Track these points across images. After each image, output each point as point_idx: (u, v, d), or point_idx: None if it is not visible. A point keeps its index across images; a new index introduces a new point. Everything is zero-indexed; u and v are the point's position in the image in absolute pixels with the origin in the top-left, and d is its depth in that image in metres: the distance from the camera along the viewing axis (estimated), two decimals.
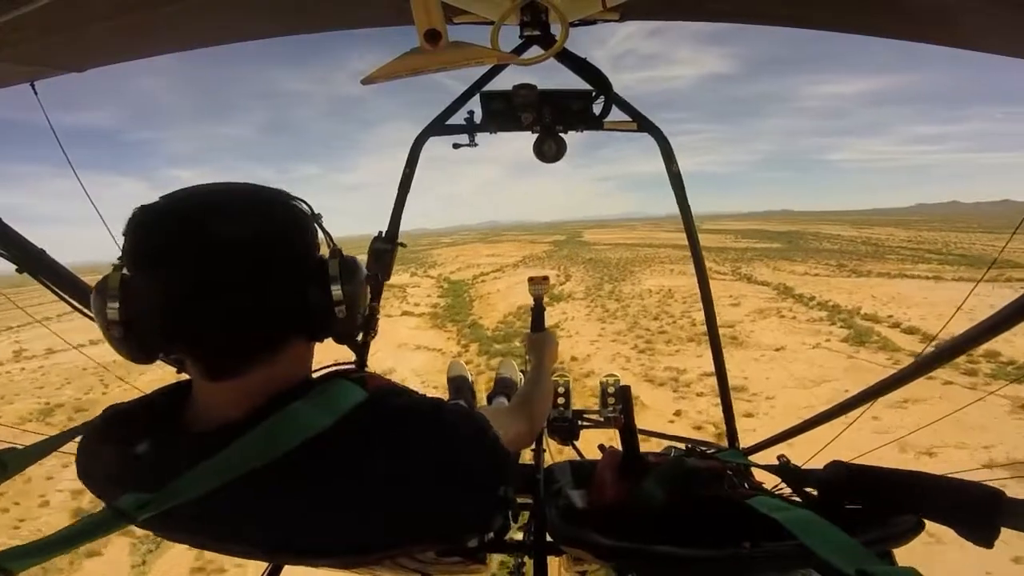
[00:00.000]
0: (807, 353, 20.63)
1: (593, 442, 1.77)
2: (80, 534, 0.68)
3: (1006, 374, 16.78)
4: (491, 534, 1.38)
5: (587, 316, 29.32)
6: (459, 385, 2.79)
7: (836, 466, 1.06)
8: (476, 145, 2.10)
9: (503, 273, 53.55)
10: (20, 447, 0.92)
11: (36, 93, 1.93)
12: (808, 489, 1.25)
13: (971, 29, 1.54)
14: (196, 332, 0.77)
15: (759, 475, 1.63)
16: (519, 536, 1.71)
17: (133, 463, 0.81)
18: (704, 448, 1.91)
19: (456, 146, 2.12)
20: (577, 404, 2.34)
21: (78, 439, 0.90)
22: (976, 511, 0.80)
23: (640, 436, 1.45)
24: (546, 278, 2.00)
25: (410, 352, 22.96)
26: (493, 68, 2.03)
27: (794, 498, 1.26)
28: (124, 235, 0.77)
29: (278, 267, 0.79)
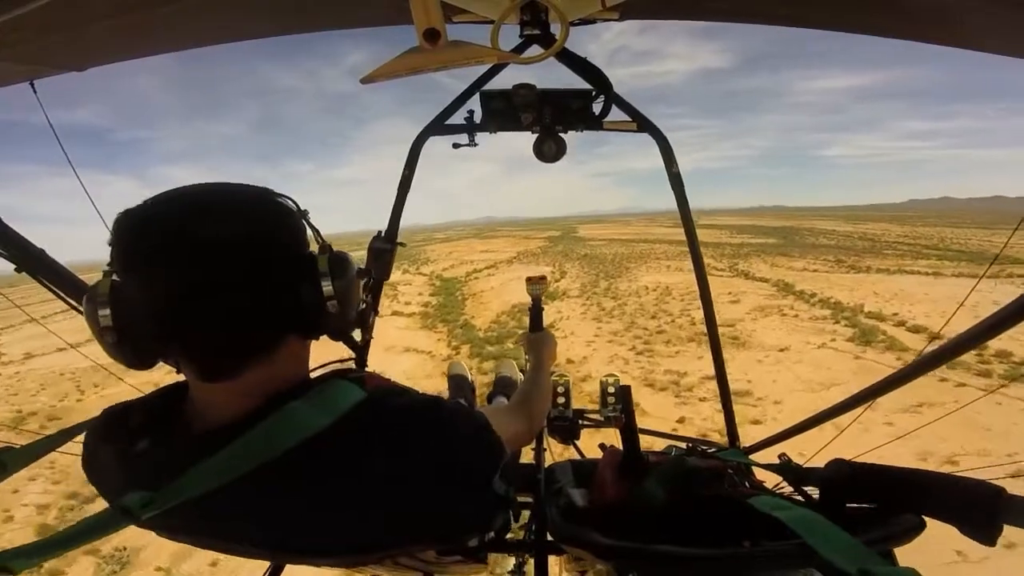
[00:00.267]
0: (812, 354, 20.28)
1: (594, 442, 1.77)
2: (84, 533, 0.68)
3: (1022, 375, 16.10)
4: (492, 533, 1.38)
5: (583, 315, 28.82)
6: (459, 384, 2.78)
7: (837, 464, 1.06)
8: (476, 145, 2.10)
9: (497, 270, 53.14)
10: (19, 446, 0.92)
11: (36, 93, 1.93)
12: (809, 488, 1.25)
13: (970, 29, 1.54)
14: (187, 334, 0.76)
15: (760, 474, 1.62)
16: (520, 535, 1.70)
17: (135, 463, 0.82)
18: (705, 447, 1.91)
19: (456, 146, 2.12)
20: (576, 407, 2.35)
21: (77, 439, 0.90)
22: (978, 509, 0.80)
23: (640, 435, 1.45)
24: (544, 278, 2.00)
25: (398, 355, 22.38)
26: (493, 68, 2.03)
27: (795, 497, 1.26)
28: (111, 241, 0.77)
29: (266, 265, 0.79)
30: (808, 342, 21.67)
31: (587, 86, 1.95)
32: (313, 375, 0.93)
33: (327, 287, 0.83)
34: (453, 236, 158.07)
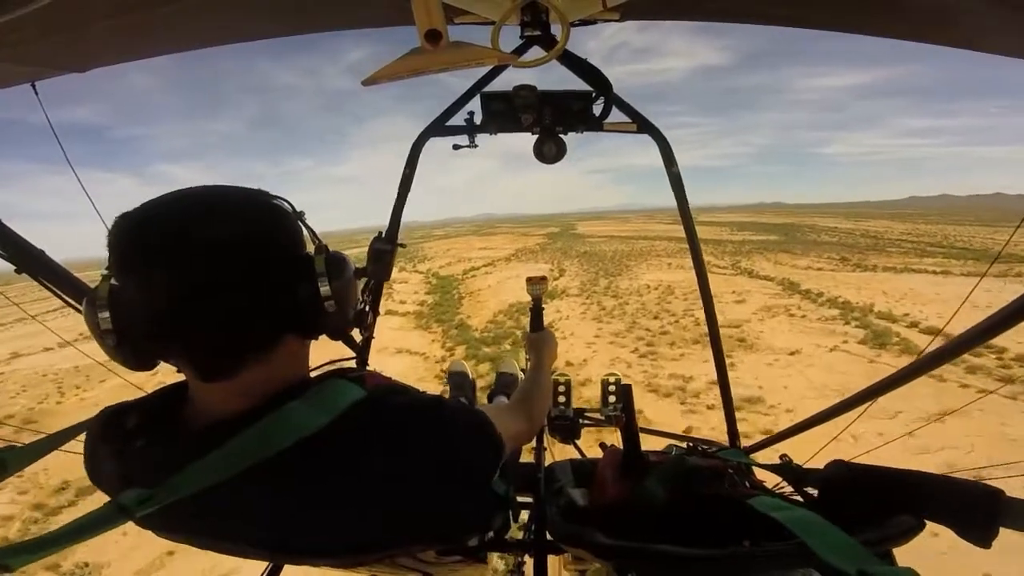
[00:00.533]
0: (825, 357, 19.09)
1: (594, 441, 1.81)
2: (82, 530, 0.69)
3: None
4: (491, 533, 1.39)
5: (582, 315, 27.82)
6: (460, 382, 2.81)
7: (837, 465, 1.09)
8: (476, 146, 2.12)
9: (495, 268, 51.80)
10: (20, 445, 0.94)
11: (37, 93, 1.93)
12: (809, 488, 1.25)
13: (970, 29, 1.54)
14: (186, 335, 0.77)
15: (761, 474, 1.64)
16: (519, 535, 1.72)
17: (133, 461, 0.83)
18: (705, 447, 1.91)
19: (456, 147, 2.13)
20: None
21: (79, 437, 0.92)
22: (976, 511, 0.81)
23: (641, 434, 1.47)
24: (544, 278, 2.00)
25: (390, 357, 21.24)
26: (493, 69, 2.04)
27: (795, 497, 1.26)
28: (109, 243, 0.78)
29: (264, 265, 0.79)
30: (819, 344, 20.40)
31: (587, 87, 1.96)
32: (313, 375, 0.94)
33: (324, 287, 0.84)
34: (452, 233, 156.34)
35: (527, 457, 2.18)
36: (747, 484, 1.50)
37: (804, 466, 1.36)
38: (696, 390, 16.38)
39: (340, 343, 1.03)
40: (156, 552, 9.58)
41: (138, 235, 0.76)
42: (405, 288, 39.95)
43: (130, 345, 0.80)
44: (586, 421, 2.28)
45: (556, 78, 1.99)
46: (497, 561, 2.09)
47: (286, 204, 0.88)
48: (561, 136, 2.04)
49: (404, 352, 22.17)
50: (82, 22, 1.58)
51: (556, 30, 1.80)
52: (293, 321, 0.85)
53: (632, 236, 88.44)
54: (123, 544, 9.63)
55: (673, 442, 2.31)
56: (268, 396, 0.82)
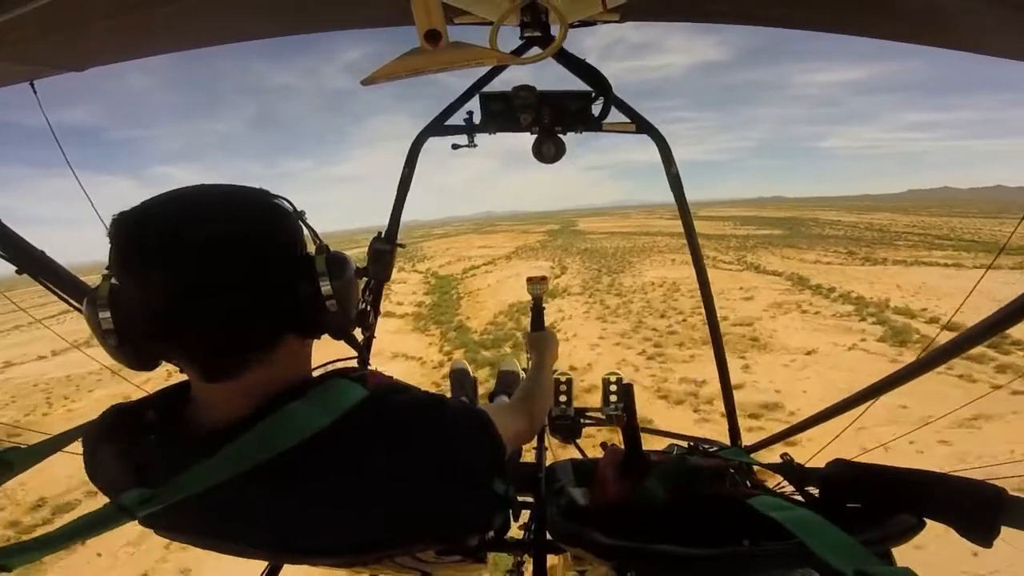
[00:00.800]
0: (843, 357, 17.91)
1: (595, 441, 1.84)
2: (82, 529, 0.69)
3: None
4: (491, 533, 1.39)
5: (586, 314, 26.75)
6: (461, 381, 2.84)
7: (838, 464, 1.09)
8: (475, 146, 2.13)
9: (495, 266, 50.77)
10: (25, 446, 0.93)
11: (36, 93, 1.93)
12: (810, 487, 1.26)
13: (970, 31, 1.55)
14: (187, 335, 0.77)
15: (762, 473, 1.65)
16: (519, 535, 1.71)
17: (135, 461, 0.82)
18: (706, 446, 1.91)
19: (455, 147, 2.14)
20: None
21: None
22: (978, 510, 0.81)
23: (642, 433, 1.50)
24: (544, 278, 2.01)
25: (386, 361, 20.20)
26: (493, 69, 2.05)
27: (796, 496, 1.27)
28: (109, 243, 0.77)
29: (264, 265, 0.79)
30: (836, 343, 19.15)
31: (586, 87, 1.97)
32: (315, 374, 0.95)
33: (325, 287, 0.84)
34: (451, 232, 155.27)
35: (528, 457, 2.18)
36: (748, 483, 1.54)
37: (805, 465, 1.35)
38: (709, 396, 15.26)
39: (341, 343, 1.01)
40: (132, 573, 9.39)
41: (136, 234, 0.76)
42: (403, 289, 38.97)
43: (132, 345, 0.79)
44: (587, 421, 2.26)
45: (555, 79, 1.99)
46: (496, 561, 2.00)
47: (286, 203, 0.88)
48: (560, 136, 2.05)
49: (400, 356, 21.19)
50: (81, 21, 1.58)
51: (556, 31, 1.78)
52: (294, 321, 0.84)
53: (633, 232, 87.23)
54: (97, 565, 9.44)
55: (674, 441, 2.30)
56: (270, 396, 0.82)
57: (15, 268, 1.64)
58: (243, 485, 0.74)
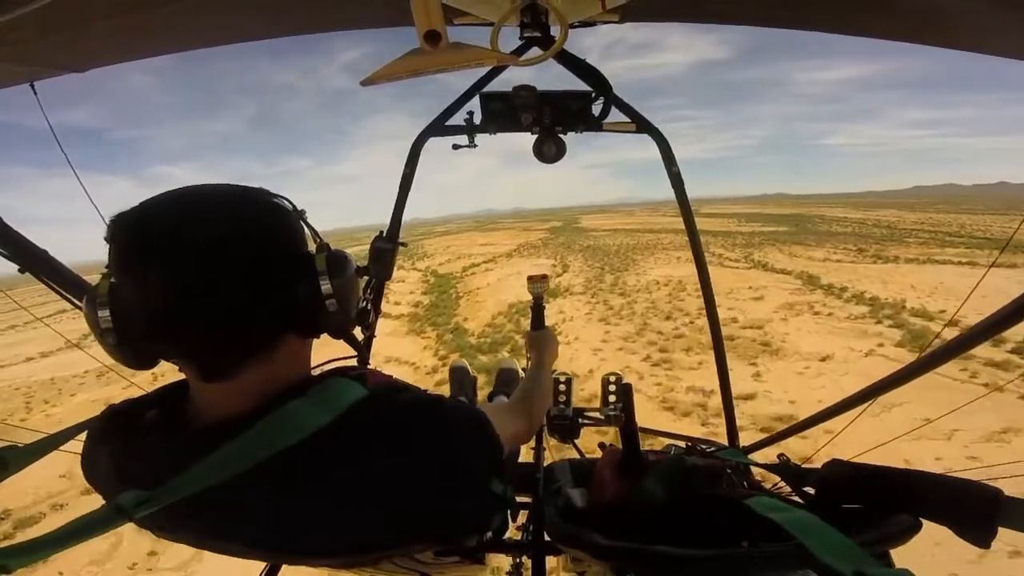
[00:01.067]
0: (860, 363, 16.66)
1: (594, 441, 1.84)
2: (79, 531, 0.68)
3: None
4: (489, 534, 1.39)
5: (588, 316, 25.69)
6: (461, 380, 2.84)
7: (835, 465, 1.08)
8: (476, 146, 2.13)
9: (495, 264, 49.94)
10: (22, 445, 0.93)
11: (36, 94, 1.93)
12: (808, 488, 1.25)
13: (971, 31, 1.55)
14: (185, 334, 0.77)
15: (760, 474, 1.66)
16: (517, 536, 1.72)
17: (132, 461, 0.82)
18: (704, 446, 1.91)
19: (456, 147, 2.16)
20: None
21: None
22: (975, 511, 0.81)
23: (640, 434, 1.47)
24: (545, 277, 2.01)
25: (378, 366, 19.48)
26: (493, 70, 2.06)
27: (793, 497, 1.26)
28: (108, 243, 0.77)
29: (264, 264, 0.79)
30: (852, 348, 17.80)
31: (587, 87, 1.98)
32: (314, 373, 0.94)
33: (326, 286, 0.84)
34: (453, 229, 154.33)
35: (526, 457, 2.19)
36: (746, 484, 1.54)
37: (803, 465, 1.34)
38: (718, 407, 14.02)
39: (341, 342, 1.00)
40: None
41: (135, 234, 0.76)
42: (401, 288, 38.10)
43: (130, 344, 0.79)
44: (586, 421, 2.24)
45: (555, 79, 2.00)
46: (496, 561, 1.90)
47: (286, 203, 0.88)
48: (561, 136, 2.05)
49: (393, 361, 20.41)
50: (81, 22, 1.57)
51: (556, 31, 1.80)
52: (294, 320, 0.84)
53: (637, 229, 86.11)
54: None
55: (672, 442, 2.34)
56: (270, 396, 0.82)
57: (18, 267, 1.64)
58: (242, 485, 0.74)
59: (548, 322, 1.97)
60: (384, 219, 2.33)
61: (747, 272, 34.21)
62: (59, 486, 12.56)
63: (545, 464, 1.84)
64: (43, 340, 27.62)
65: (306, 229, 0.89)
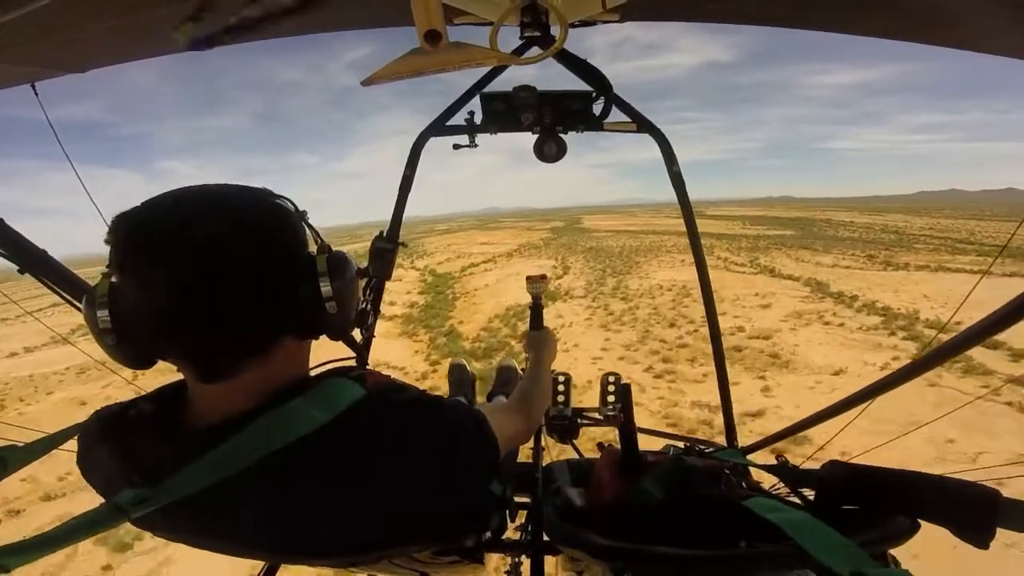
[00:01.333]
0: (875, 378, 15.85)
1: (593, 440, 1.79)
2: (77, 530, 0.68)
3: None
4: (488, 533, 1.39)
5: (588, 321, 24.70)
6: (459, 379, 2.80)
7: (834, 466, 1.07)
8: (476, 146, 2.13)
9: (495, 264, 49.23)
10: (21, 444, 0.92)
11: (37, 94, 1.93)
12: (806, 489, 1.24)
13: (972, 30, 1.54)
14: (185, 334, 0.76)
15: (759, 474, 1.62)
16: (516, 535, 1.71)
17: (130, 461, 0.81)
18: (703, 447, 1.89)
19: (456, 147, 2.15)
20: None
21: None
22: (974, 512, 0.80)
23: (639, 434, 1.45)
24: (544, 276, 1.99)
25: None
26: (493, 70, 2.06)
27: (792, 498, 1.26)
28: (108, 243, 0.77)
29: (265, 265, 0.78)
30: (866, 362, 16.94)
31: (587, 87, 1.97)
32: (313, 374, 0.93)
33: (326, 287, 0.83)
34: (454, 228, 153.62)
35: (525, 457, 2.14)
36: (744, 484, 1.54)
37: (801, 466, 1.34)
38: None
39: (340, 342, 1.00)
40: None
41: (136, 234, 0.75)
42: (398, 287, 37.20)
43: (129, 344, 0.78)
44: (584, 421, 2.23)
45: (556, 78, 1.99)
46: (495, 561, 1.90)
47: (288, 203, 0.87)
48: (561, 136, 2.04)
49: (382, 365, 19.26)
50: (81, 22, 1.57)
51: (556, 31, 1.79)
52: (294, 321, 0.84)
53: (640, 231, 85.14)
54: None
55: (671, 442, 2.31)
56: (268, 396, 0.81)
57: (17, 268, 1.64)
58: (241, 483, 0.73)
59: (546, 325, 1.93)
60: (386, 216, 2.35)
61: (753, 277, 33.34)
62: (17, 491, 12.09)
63: (544, 464, 1.85)
64: (30, 335, 26.97)
65: (307, 230, 0.88)
